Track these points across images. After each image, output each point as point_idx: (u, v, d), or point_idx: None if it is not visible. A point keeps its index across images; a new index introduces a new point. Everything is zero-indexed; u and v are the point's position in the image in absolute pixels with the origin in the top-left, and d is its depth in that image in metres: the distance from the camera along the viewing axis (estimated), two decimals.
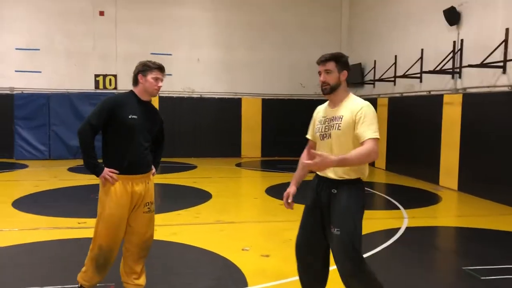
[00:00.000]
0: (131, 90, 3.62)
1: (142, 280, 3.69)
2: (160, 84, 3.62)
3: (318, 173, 3.26)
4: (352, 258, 3.04)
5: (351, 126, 3.08)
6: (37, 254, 5.01)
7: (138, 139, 3.49)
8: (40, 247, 5.18)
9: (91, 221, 6.08)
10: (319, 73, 3.24)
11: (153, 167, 3.75)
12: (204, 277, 4.27)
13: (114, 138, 3.50)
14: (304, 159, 3.37)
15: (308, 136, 3.48)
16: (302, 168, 3.43)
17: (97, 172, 3.42)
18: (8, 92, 13.09)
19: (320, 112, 3.38)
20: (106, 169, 3.43)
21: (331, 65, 3.20)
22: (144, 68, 3.59)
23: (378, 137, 3.02)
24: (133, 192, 3.49)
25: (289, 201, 3.28)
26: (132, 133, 3.47)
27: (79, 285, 3.61)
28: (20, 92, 13.11)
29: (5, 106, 12.95)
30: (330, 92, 3.20)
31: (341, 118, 3.11)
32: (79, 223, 6.12)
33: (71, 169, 11.25)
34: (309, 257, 3.35)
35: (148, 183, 3.63)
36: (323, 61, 3.21)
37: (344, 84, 3.23)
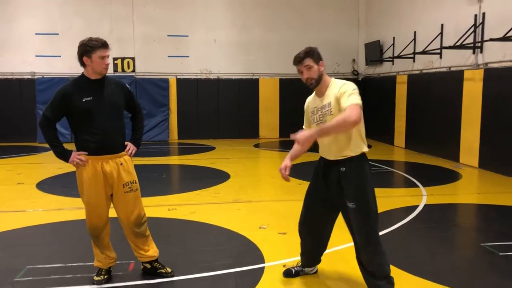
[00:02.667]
0: (82, 73, 3.60)
1: (152, 252, 3.79)
2: (107, 61, 3.55)
3: (324, 156, 3.42)
4: (367, 230, 3.22)
5: (338, 107, 3.21)
6: (60, 233, 5.17)
7: (99, 119, 3.47)
8: (64, 226, 5.34)
9: None
10: (300, 72, 3.40)
11: (129, 145, 3.71)
12: (223, 255, 4.35)
13: (76, 123, 3.54)
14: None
15: (304, 126, 3.63)
16: (296, 147, 3.57)
17: (66, 158, 3.50)
18: (30, 76, 13.33)
19: (310, 103, 3.53)
20: (74, 153, 3.49)
21: (308, 61, 3.35)
22: (87, 49, 3.49)
23: (357, 102, 3.09)
24: (104, 172, 3.52)
25: (287, 173, 3.42)
26: (91, 115, 3.46)
27: (97, 270, 3.74)
28: (41, 76, 13.33)
29: (27, 90, 13.21)
30: (316, 85, 3.36)
31: (330, 104, 3.27)
32: None
33: None
34: (308, 237, 3.67)
35: (122, 163, 3.60)
36: (299, 60, 3.37)
37: (324, 74, 3.38)
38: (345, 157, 3.27)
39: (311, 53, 3.36)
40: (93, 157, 3.50)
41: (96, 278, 3.68)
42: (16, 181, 7.82)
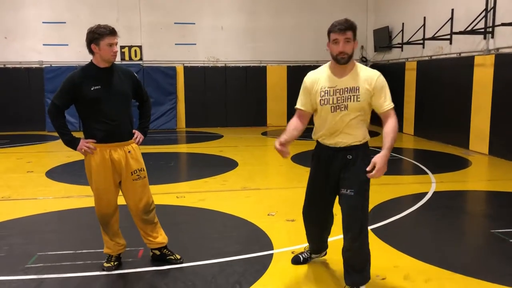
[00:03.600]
0: (91, 60, 3.58)
1: (161, 239, 3.81)
2: (115, 49, 3.52)
3: (329, 144, 3.26)
4: (360, 218, 3.17)
5: (368, 97, 3.13)
6: (70, 220, 5.22)
7: (107, 108, 3.47)
8: (73, 214, 5.38)
9: None
10: (334, 41, 3.07)
11: (136, 133, 3.71)
12: (232, 241, 4.36)
13: (84, 111, 3.54)
14: (292, 126, 3.39)
15: (301, 106, 3.37)
16: (290, 134, 3.35)
17: (74, 146, 3.51)
18: (38, 65, 13.36)
19: (320, 81, 3.20)
20: (82, 141, 3.50)
21: (350, 34, 3.08)
22: (95, 37, 3.45)
23: (393, 105, 3.17)
24: (112, 159, 3.53)
25: (285, 149, 3.22)
26: (99, 103, 3.45)
27: (107, 256, 3.78)
28: (49, 65, 13.36)
29: (36, 79, 13.25)
30: (347, 61, 3.09)
31: (358, 89, 3.10)
32: None
33: None
34: (312, 225, 3.63)
35: (130, 151, 3.61)
36: (342, 30, 3.04)
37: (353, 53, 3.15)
38: (352, 145, 3.20)
39: (354, 27, 3.10)
40: (101, 145, 3.50)
41: (106, 264, 3.72)
42: (26, 170, 7.88)
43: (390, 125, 3.12)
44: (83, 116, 3.57)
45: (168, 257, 3.84)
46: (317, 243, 3.79)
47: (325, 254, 3.94)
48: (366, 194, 3.21)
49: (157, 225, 3.82)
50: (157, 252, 3.85)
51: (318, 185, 3.42)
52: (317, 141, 3.38)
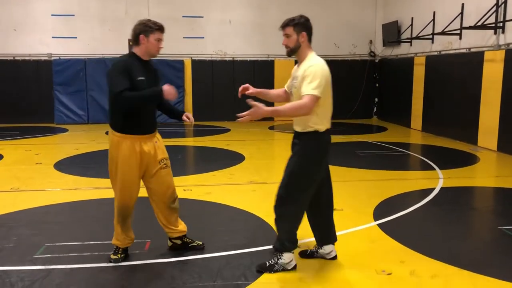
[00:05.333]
0: (132, 52, 3.60)
1: (182, 227, 3.89)
2: (161, 45, 3.61)
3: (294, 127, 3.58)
4: (283, 193, 3.48)
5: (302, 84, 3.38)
6: (77, 212, 5.25)
7: None
8: (81, 206, 5.42)
9: None
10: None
11: (189, 115, 3.85)
12: (238, 235, 4.37)
13: None
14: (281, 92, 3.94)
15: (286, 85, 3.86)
16: (265, 95, 3.97)
17: (160, 94, 3.45)
18: (47, 58, 13.42)
19: (293, 68, 3.67)
20: (164, 87, 3.44)
21: (289, 30, 3.47)
22: (146, 29, 3.53)
23: (315, 94, 3.27)
24: (142, 152, 3.56)
25: (246, 92, 3.73)
26: None
27: (114, 247, 3.79)
28: (57, 58, 13.41)
29: (45, 72, 13.32)
30: (290, 54, 3.54)
31: (297, 78, 3.44)
32: None
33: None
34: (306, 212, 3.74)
35: (157, 141, 3.70)
36: (282, 26, 3.52)
37: (304, 45, 3.49)
38: (301, 131, 3.48)
39: (294, 23, 3.46)
40: (133, 136, 3.53)
41: (113, 256, 3.74)
42: (34, 161, 7.94)
43: (294, 102, 3.36)
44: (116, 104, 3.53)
45: (191, 245, 3.93)
46: (317, 233, 3.82)
47: (334, 257, 3.82)
48: (292, 174, 3.45)
49: (178, 213, 3.89)
50: (179, 242, 3.90)
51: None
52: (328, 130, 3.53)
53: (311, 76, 3.30)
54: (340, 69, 14.26)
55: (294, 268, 3.60)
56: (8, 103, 13.26)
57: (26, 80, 13.34)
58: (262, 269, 3.57)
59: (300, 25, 3.46)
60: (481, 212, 5.42)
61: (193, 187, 6.15)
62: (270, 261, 3.60)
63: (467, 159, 8.20)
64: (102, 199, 5.58)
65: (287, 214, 3.54)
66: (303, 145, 3.47)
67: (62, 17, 13.32)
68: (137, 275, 3.56)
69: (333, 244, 3.83)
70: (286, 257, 3.58)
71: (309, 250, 3.88)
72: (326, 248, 3.82)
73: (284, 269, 3.58)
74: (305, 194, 3.49)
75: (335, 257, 3.81)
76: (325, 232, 3.81)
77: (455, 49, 10.30)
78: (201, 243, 3.97)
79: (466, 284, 3.39)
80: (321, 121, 3.42)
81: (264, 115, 3.28)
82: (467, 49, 9.81)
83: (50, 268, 3.61)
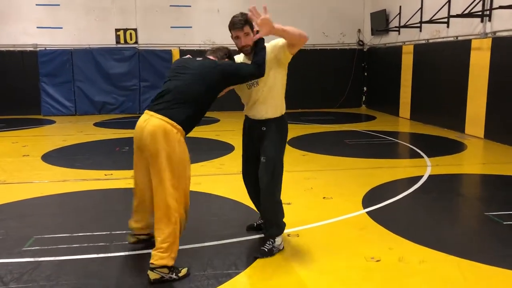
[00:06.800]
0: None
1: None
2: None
3: (249, 116, 3.77)
4: (271, 178, 3.56)
5: (273, 60, 3.51)
6: (66, 204, 5.22)
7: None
8: (69, 197, 5.38)
9: (117, 173, 6.29)
10: (236, 37, 3.49)
11: None
12: (229, 225, 4.38)
13: (212, 97, 3.42)
14: None
15: None
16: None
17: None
18: (32, 49, 13.22)
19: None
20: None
21: (248, 28, 3.45)
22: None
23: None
24: None
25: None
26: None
27: (171, 270, 3.24)
28: (43, 48, 13.22)
29: (30, 63, 13.10)
30: (251, 52, 3.50)
31: (268, 53, 3.50)
32: (105, 174, 6.29)
33: (96, 124, 11.46)
34: (250, 182, 3.93)
35: None
36: (240, 26, 3.42)
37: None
38: (267, 118, 3.63)
39: (249, 21, 3.41)
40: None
41: (181, 274, 3.30)
42: (21, 153, 7.85)
43: (296, 29, 3.41)
44: (206, 101, 3.37)
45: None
46: (258, 204, 3.97)
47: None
48: (276, 157, 3.61)
49: None
50: (145, 237, 3.75)
51: (244, 151, 3.99)
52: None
53: (280, 40, 3.49)
54: (328, 58, 14.28)
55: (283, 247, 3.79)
56: None
57: (12, 72, 13.11)
58: (264, 255, 3.61)
59: (251, 23, 3.45)
60: (468, 198, 5.49)
61: None
62: (267, 246, 3.66)
63: (455, 147, 8.28)
64: (91, 191, 5.55)
65: (279, 198, 3.69)
66: (275, 128, 3.64)
67: (47, 6, 13.10)
68: (127, 265, 3.56)
69: None
70: (280, 239, 3.73)
71: (255, 224, 4.12)
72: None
73: (278, 250, 3.70)
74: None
75: None
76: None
77: (443, 38, 10.35)
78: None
79: (453, 269, 3.44)
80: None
81: (272, 30, 3.28)
82: (455, 37, 9.86)
83: (39, 260, 3.59)
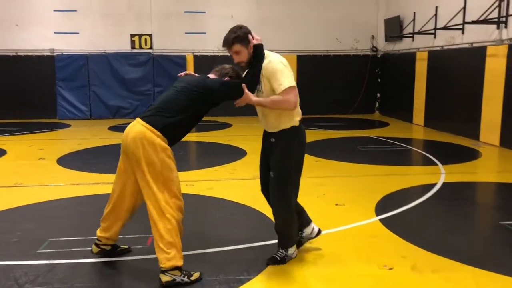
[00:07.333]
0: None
1: None
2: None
3: (262, 126, 3.70)
4: (279, 194, 3.51)
5: (268, 89, 3.43)
6: (80, 207, 5.28)
7: None
8: (83, 200, 5.45)
9: None
10: (231, 55, 3.48)
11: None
12: (240, 230, 4.40)
13: (197, 112, 3.43)
14: None
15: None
16: None
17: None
18: (49, 53, 13.43)
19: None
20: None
21: (236, 47, 3.41)
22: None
23: (290, 85, 3.35)
24: None
25: None
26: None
27: (183, 272, 3.29)
28: (60, 53, 13.42)
29: (47, 67, 13.31)
30: (247, 66, 3.48)
31: (261, 82, 3.45)
32: None
33: (111, 128, 11.58)
34: (266, 192, 3.77)
35: None
36: (227, 46, 3.44)
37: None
38: (276, 130, 3.52)
39: (240, 38, 3.39)
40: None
41: (193, 278, 3.32)
42: (37, 157, 7.97)
43: (277, 96, 3.36)
44: (190, 113, 3.37)
45: (118, 249, 3.80)
46: None
47: (316, 229, 3.92)
48: (285, 174, 3.51)
49: None
50: (109, 248, 3.74)
51: (261, 163, 3.83)
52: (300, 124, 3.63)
53: (277, 71, 3.36)
54: (342, 64, 14.26)
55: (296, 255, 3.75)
56: (11, 98, 13.25)
57: (29, 76, 13.32)
58: (275, 263, 3.60)
59: (244, 38, 3.40)
60: (482, 207, 5.44)
61: (195, 182, 6.17)
62: (279, 254, 3.65)
63: (469, 154, 8.19)
64: (105, 194, 5.58)
65: (290, 212, 3.60)
66: (285, 142, 3.52)
67: (65, 12, 13.31)
68: (141, 270, 3.59)
69: (310, 223, 3.91)
70: (293, 248, 3.71)
71: None
72: (307, 230, 3.89)
73: (291, 259, 3.68)
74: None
75: (319, 231, 3.94)
76: (300, 217, 3.84)
77: (458, 44, 10.27)
78: (127, 247, 3.86)
79: (467, 279, 3.40)
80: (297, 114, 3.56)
81: (249, 102, 3.39)
82: (470, 44, 9.78)
83: (54, 263, 3.64)
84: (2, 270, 3.53)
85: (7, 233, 4.31)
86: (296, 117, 3.54)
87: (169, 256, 3.20)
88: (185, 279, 3.26)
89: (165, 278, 3.22)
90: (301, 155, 3.63)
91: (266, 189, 3.73)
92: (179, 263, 3.24)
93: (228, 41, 3.40)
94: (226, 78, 3.54)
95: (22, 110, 13.27)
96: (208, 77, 3.55)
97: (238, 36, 3.39)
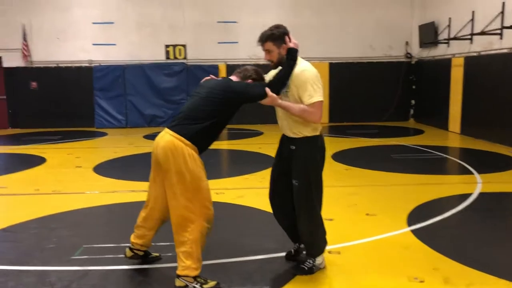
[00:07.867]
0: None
1: None
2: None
3: (282, 131, 3.65)
4: (305, 203, 3.48)
5: (295, 93, 3.39)
6: (115, 214, 5.42)
7: None
8: (118, 208, 5.59)
9: None
10: (263, 50, 3.48)
11: None
12: (269, 239, 4.39)
13: (224, 116, 3.44)
14: None
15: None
16: None
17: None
18: (87, 64, 13.89)
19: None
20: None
21: (269, 45, 3.42)
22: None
23: (319, 99, 3.33)
24: None
25: None
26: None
27: (196, 279, 3.34)
28: (98, 64, 13.86)
29: (86, 78, 13.79)
30: (276, 67, 3.47)
31: (288, 86, 3.41)
32: None
33: (146, 137, 11.83)
34: (276, 203, 3.76)
35: None
36: (260, 42, 3.45)
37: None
38: (296, 136, 3.47)
39: (274, 37, 3.40)
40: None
41: (207, 286, 3.36)
42: (75, 165, 8.23)
43: (306, 106, 3.33)
44: (217, 118, 3.38)
45: (150, 256, 3.89)
46: (291, 232, 3.86)
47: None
48: (309, 183, 3.47)
49: None
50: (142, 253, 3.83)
51: (275, 169, 3.78)
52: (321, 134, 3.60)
53: (309, 82, 3.34)
54: (375, 71, 14.09)
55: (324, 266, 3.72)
56: (51, 108, 13.82)
57: (68, 86, 13.85)
58: (303, 274, 3.58)
59: (279, 38, 3.40)
60: None
61: (225, 190, 6.23)
62: (307, 265, 3.63)
63: (508, 163, 7.92)
64: (139, 202, 5.71)
65: (317, 221, 3.58)
66: (306, 148, 3.48)
67: (102, 25, 13.76)
68: (170, 277, 3.63)
69: None
70: (320, 258, 3.67)
71: (292, 251, 3.90)
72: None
73: (319, 269, 3.64)
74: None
75: None
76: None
77: (496, 49, 9.98)
78: (158, 254, 3.93)
79: None
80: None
81: (276, 104, 3.41)
82: (508, 49, 9.49)
83: (87, 270, 3.75)
84: (38, 275, 3.66)
85: (44, 239, 4.47)
86: (319, 126, 3.55)
87: (185, 265, 3.30)
88: (197, 286, 3.31)
89: (178, 282, 3.34)
90: (323, 163, 3.62)
91: (275, 196, 3.72)
92: (193, 273, 3.30)
93: (263, 38, 3.44)
94: (249, 81, 3.54)
95: (61, 119, 13.79)
96: (231, 79, 3.57)
97: (273, 34, 3.41)
